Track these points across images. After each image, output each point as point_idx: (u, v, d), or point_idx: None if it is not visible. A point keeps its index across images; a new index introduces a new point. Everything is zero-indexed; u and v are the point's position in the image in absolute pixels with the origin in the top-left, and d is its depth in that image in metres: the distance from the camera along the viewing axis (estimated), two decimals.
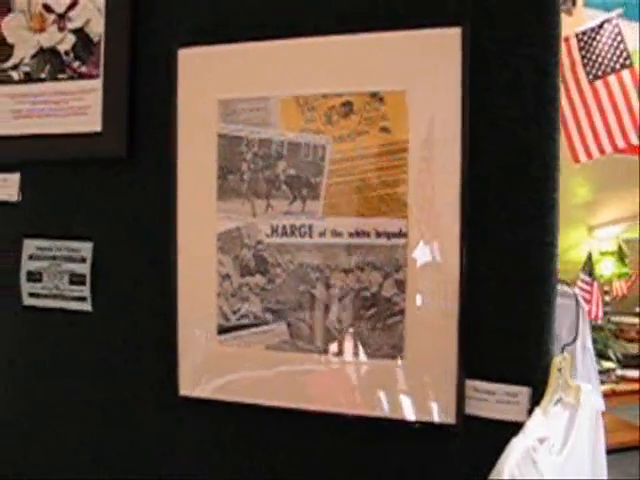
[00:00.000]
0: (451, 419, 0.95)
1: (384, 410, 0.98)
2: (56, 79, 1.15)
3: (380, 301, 0.97)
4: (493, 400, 0.96)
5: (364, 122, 0.97)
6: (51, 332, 1.18)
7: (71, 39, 1.14)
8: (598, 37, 2.53)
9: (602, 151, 2.55)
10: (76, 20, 1.14)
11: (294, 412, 1.02)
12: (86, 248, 1.15)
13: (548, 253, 0.93)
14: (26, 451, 1.20)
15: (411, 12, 0.95)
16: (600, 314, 4.00)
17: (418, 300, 0.96)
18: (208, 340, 1.06)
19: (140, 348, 1.12)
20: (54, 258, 1.17)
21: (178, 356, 1.08)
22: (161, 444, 1.11)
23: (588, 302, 3.71)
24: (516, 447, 0.83)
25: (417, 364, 0.97)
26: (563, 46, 2.46)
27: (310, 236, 1.00)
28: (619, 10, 2.48)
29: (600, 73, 2.53)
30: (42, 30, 1.16)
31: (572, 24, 2.60)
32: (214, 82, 1.05)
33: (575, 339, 1.05)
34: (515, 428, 0.89)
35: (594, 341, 1.33)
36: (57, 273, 1.17)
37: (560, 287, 0.99)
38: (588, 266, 3.95)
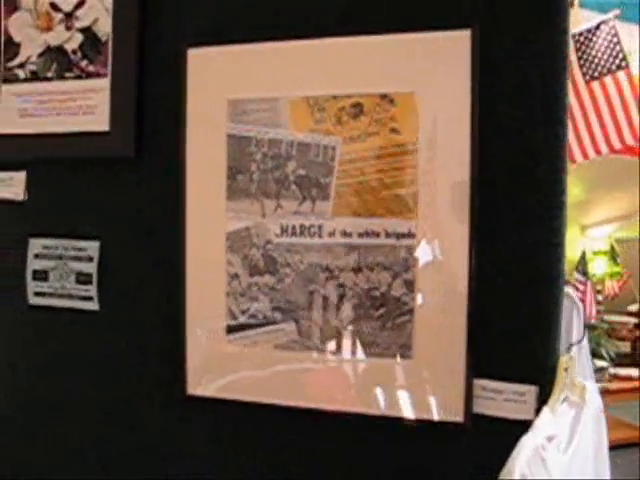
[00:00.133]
0: (459, 418, 0.96)
1: (393, 409, 0.99)
2: (63, 78, 1.15)
3: (389, 301, 0.98)
4: (501, 399, 0.97)
5: (374, 123, 0.98)
6: (57, 331, 1.18)
7: (78, 38, 1.14)
8: (594, 38, 2.55)
9: (598, 152, 2.56)
10: (83, 19, 1.14)
11: (302, 411, 1.02)
12: (93, 247, 1.15)
13: (555, 254, 0.94)
14: (31, 450, 1.20)
15: (421, 14, 0.96)
16: (593, 313, 4.03)
17: (427, 300, 0.97)
18: (216, 339, 1.06)
19: (147, 347, 1.12)
20: (60, 257, 1.17)
21: (185, 355, 1.08)
22: (168, 443, 1.12)
23: (582, 301, 3.73)
24: (526, 445, 0.84)
25: (425, 363, 0.97)
26: None
27: (320, 236, 1.01)
28: (616, 11, 2.50)
29: (596, 74, 2.55)
30: (49, 29, 1.16)
31: None
32: (223, 82, 1.05)
33: (581, 340, 1.06)
34: (522, 427, 0.90)
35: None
36: (63, 272, 1.17)
37: None
38: (582, 265, 3.98)
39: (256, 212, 1.04)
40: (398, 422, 0.99)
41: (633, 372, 4.25)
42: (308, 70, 1.01)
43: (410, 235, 0.97)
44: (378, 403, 1.00)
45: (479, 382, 0.96)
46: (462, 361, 0.96)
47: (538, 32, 0.92)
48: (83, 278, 1.16)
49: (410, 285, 0.97)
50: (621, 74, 2.50)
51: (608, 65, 2.52)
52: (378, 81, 0.97)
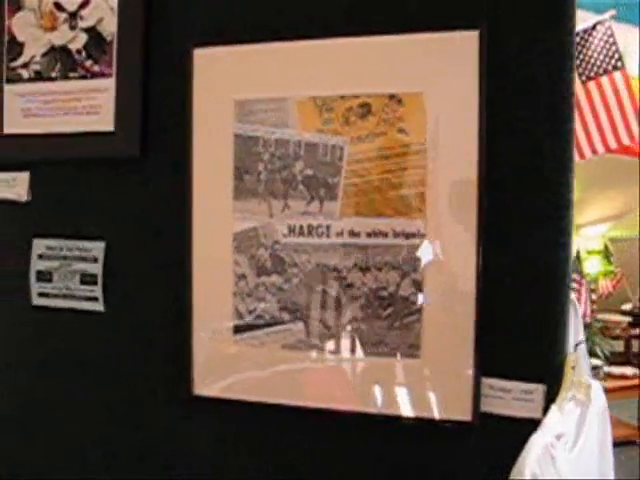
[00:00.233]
0: (467, 417, 0.96)
1: (401, 408, 0.99)
2: (67, 78, 1.15)
3: (397, 300, 0.98)
4: (509, 398, 0.97)
5: (382, 123, 0.98)
6: (61, 332, 1.17)
7: (83, 38, 1.14)
8: (590, 39, 2.57)
9: (595, 151, 2.58)
10: (88, 19, 1.13)
11: (310, 411, 1.03)
12: (98, 248, 1.15)
13: (562, 253, 0.95)
14: (34, 451, 1.19)
15: (429, 15, 0.96)
16: (588, 312, 4.06)
17: (435, 299, 0.97)
18: (223, 339, 1.06)
19: (153, 348, 1.12)
20: (65, 258, 1.17)
21: (192, 356, 1.08)
22: (173, 444, 1.11)
23: (577, 300, 3.75)
24: (536, 444, 0.85)
25: (434, 362, 0.98)
26: None
27: (327, 236, 1.01)
28: (612, 12, 2.51)
29: (592, 74, 2.56)
30: (53, 28, 1.15)
31: None
32: (230, 82, 1.05)
33: (584, 341, 1.07)
34: (530, 425, 0.90)
35: None
36: (68, 273, 1.17)
37: None
38: (577, 265, 4.00)
39: (263, 212, 1.04)
40: (406, 421, 0.99)
41: (627, 370, 4.28)
42: (315, 70, 1.01)
43: (419, 235, 0.97)
44: (386, 403, 1.00)
45: (487, 381, 0.97)
46: (470, 360, 0.96)
47: (545, 32, 0.93)
48: (88, 279, 1.15)
49: (418, 285, 0.97)
50: (617, 74, 2.52)
51: (604, 65, 2.53)
52: (386, 81, 0.98)
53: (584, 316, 4.01)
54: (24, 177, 1.19)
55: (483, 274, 0.95)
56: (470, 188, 0.95)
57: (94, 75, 1.13)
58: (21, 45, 1.17)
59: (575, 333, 1.23)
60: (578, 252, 4.29)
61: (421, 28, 0.96)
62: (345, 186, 1.00)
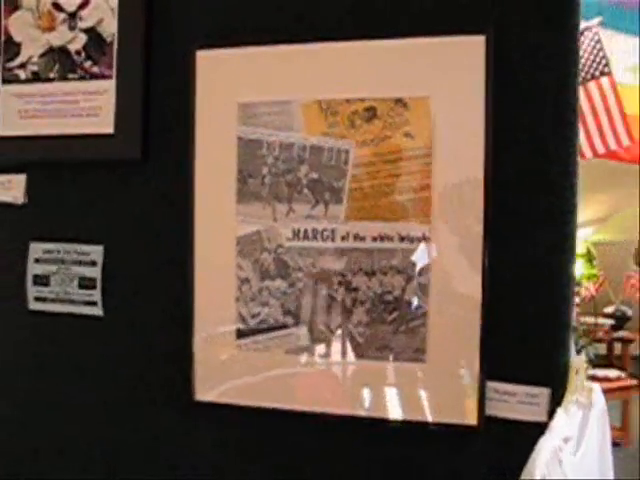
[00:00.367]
0: (473, 420, 0.96)
1: (406, 412, 0.99)
2: (66, 79, 1.13)
3: (403, 305, 0.98)
4: (514, 401, 0.97)
5: (388, 127, 0.98)
6: (59, 337, 1.15)
7: (82, 38, 1.12)
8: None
9: (582, 156, 2.61)
10: (88, 19, 1.12)
11: (315, 416, 1.02)
12: (97, 251, 1.13)
13: (567, 257, 0.95)
14: (35, 458, 1.17)
15: (436, 19, 0.96)
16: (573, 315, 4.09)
17: (441, 304, 0.97)
18: (226, 344, 1.05)
19: (153, 353, 1.11)
20: (62, 262, 1.15)
21: (194, 361, 1.07)
22: (175, 450, 1.10)
23: None
24: (545, 447, 0.85)
25: (439, 366, 0.98)
26: None
27: (332, 240, 1.00)
28: (599, 18, 2.55)
29: (580, 80, 2.59)
30: (51, 29, 1.13)
31: None
32: (234, 85, 1.04)
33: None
34: (535, 429, 0.91)
35: None
36: (65, 277, 1.15)
37: None
38: None
39: (267, 216, 1.03)
40: (411, 425, 0.99)
41: (610, 373, 4.33)
42: (321, 73, 1.01)
43: (425, 239, 0.97)
44: (391, 407, 1.00)
45: (492, 384, 0.97)
46: (475, 364, 0.96)
47: (551, 38, 0.93)
48: (86, 283, 1.14)
49: (424, 289, 0.97)
50: (605, 80, 2.55)
51: (592, 71, 2.56)
52: (392, 85, 0.98)
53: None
54: (20, 179, 1.17)
55: (489, 277, 0.95)
56: (476, 192, 0.95)
57: (93, 76, 1.12)
58: (18, 45, 1.16)
59: None
60: None
61: (427, 32, 0.96)
62: (350, 190, 0.99)
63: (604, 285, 5.21)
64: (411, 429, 0.99)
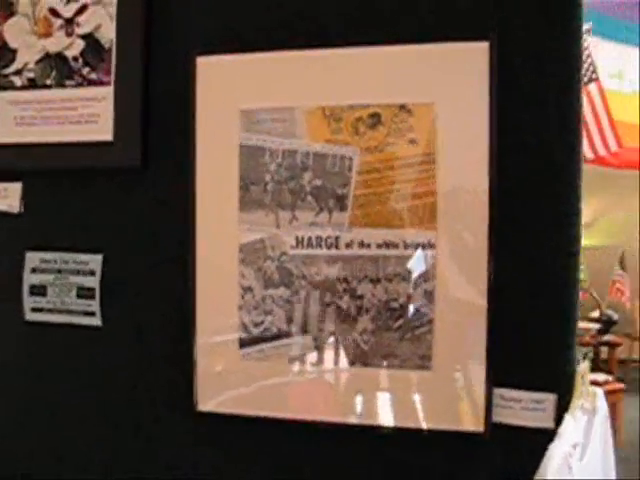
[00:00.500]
0: (479, 427, 0.96)
1: (413, 420, 0.98)
2: (63, 86, 1.11)
3: (408, 312, 0.98)
4: (520, 407, 0.97)
5: (392, 134, 0.97)
6: (56, 348, 1.13)
7: (80, 44, 1.10)
8: None
9: None
10: (85, 25, 1.10)
11: (319, 426, 1.01)
12: (95, 261, 1.11)
13: (572, 263, 0.95)
14: (37, 471, 1.14)
15: (440, 25, 0.96)
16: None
17: (447, 310, 0.97)
18: (229, 354, 1.04)
19: (154, 364, 1.09)
20: (60, 271, 1.13)
21: (196, 371, 1.05)
22: (177, 461, 1.08)
23: None
24: (555, 453, 0.85)
25: (445, 374, 0.97)
26: None
27: (337, 247, 0.99)
28: (587, 25, 2.57)
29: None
30: (48, 35, 1.12)
31: None
32: (235, 92, 1.03)
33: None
34: (542, 435, 0.91)
35: None
36: (63, 287, 1.13)
37: None
38: None
39: (270, 223, 1.02)
40: (418, 433, 0.98)
41: (598, 377, 4.36)
42: (324, 79, 1.00)
43: (430, 246, 0.97)
44: (398, 415, 0.99)
45: (498, 391, 0.96)
46: (482, 371, 0.95)
47: (554, 43, 0.94)
48: (84, 293, 1.12)
49: (430, 296, 0.97)
50: (592, 86, 2.58)
51: None
52: (396, 91, 0.97)
53: None
54: (16, 188, 1.15)
55: (494, 284, 0.95)
56: (481, 198, 0.95)
57: (91, 83, 1.10)
58: (14, 52, 1.14)
59: None
60: None
61: (431, 38, 0.96)
62: (355, 197, 0.99)
63: (590, 289, 5.25)
64: (417, 436, 0.98)
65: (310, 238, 1.01)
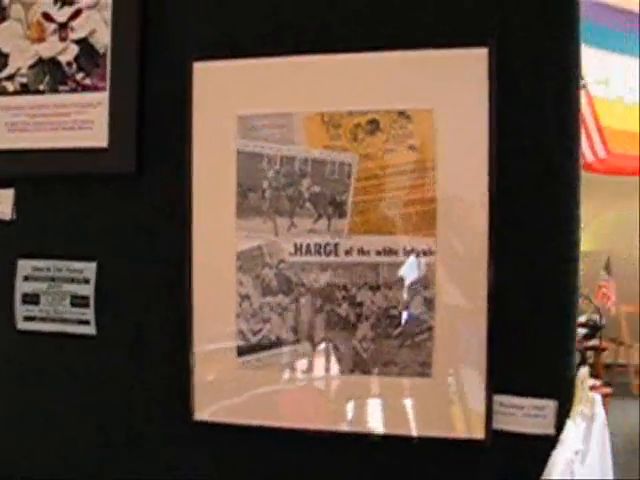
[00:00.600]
0: (480, 435, 0.95)
1: (413, 427, 0.97)
2: (56, 91, 1.10)
3: (408, 319, 0.97)
4: (520, 414, 0.97)
5: (391, 140, 0.97)
6: (50, 357, 1.11)
7: (74, 50, 1.09)
8: None
9: None
10: (79, 30, 1.09)
11: (319, 434, 1.00)
12: (89, 268, 1.10)
13: (572, 268, 0.95)
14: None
15: (439, 31, 0.96)
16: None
17: (446, 317, 0.96)
18: (227, 362, 1.03)
19: (150, 373, 1.07)
20: (53, 279, 1.11)
21: (193, 380, 1.04)
22: (174, 471, 1.06)
23: None
24: (558, 460, 0.84)
25: (445, 381, 0.97)
26: None
27: (336, 254, 0.99)
28: None
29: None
30: (41, 40, 1.10)
31: None
32: (233, 97, 1.02)
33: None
34: (542, 442, 0.90)
35: None
36: (56, 295, 1.11)
37: None
38: None
39: (268, 230, 1.01)
40: (418, 440, 0.98)
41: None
42: (323, 85, 0.99)
43: (430, 252, 0.96)
44: (397, 422, 0.98)
45: (498, 398, 0.96)
46: (482, 378, 0.95)
47: (553, 49, 0.94)
48: (78, 301, 1.10)
49: (430, 303, 0.96)
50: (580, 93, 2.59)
51: None
52: (395, 97, 0.97)
53: None
54: (8, 194, 1.13)
55: (494, 290, 0.95)
56: (480, 204, 0.95)
57: (86, 88, 1.09)
58: (6, 57, 1.12)
59: None
60: None
61: (430, 45, 0.96)
62: (353, 203, 0.98)
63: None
64: (418, 444, 0.98)
65: (309, 245, 1.00)
